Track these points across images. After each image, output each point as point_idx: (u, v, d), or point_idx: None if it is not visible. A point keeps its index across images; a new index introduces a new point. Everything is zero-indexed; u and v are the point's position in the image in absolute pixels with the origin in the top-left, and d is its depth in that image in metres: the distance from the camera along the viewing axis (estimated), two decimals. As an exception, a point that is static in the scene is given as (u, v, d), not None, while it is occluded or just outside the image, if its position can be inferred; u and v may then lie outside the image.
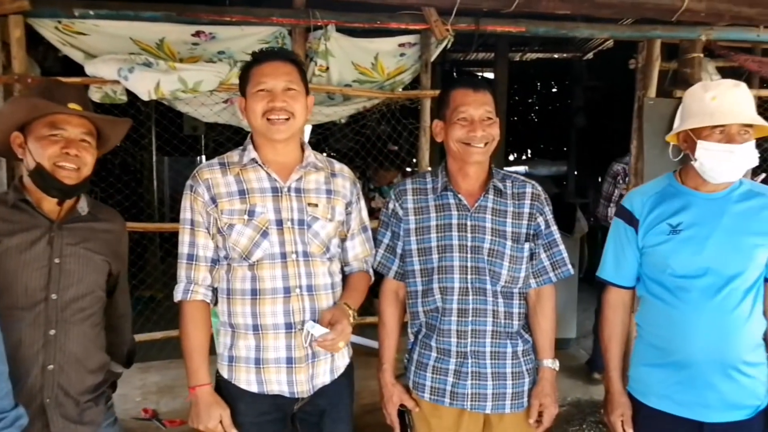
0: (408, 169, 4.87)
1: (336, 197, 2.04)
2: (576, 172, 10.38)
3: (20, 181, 1.89)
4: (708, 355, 1.92)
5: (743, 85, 1.94)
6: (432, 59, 3.78)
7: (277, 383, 1.92)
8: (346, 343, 1.91)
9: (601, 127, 9.01)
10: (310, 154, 2.02)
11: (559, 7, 3.07)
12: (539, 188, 2.16)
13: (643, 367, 2.08)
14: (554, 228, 2.16)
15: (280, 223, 1.92)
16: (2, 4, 3.05)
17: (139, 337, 3.50)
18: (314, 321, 1.88)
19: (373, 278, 2.21)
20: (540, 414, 2.09)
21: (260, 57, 1.98)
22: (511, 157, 11.91)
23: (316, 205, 1.98)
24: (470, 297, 2.05)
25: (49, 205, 1.84)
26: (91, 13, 3.30)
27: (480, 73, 9.81)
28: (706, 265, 1.91)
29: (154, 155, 7.28)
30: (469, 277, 2.05)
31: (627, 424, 2.06)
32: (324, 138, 8.05)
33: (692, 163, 1.93)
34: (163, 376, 3.35)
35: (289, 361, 1.91)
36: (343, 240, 2.10)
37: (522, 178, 2.20)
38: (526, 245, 2.11)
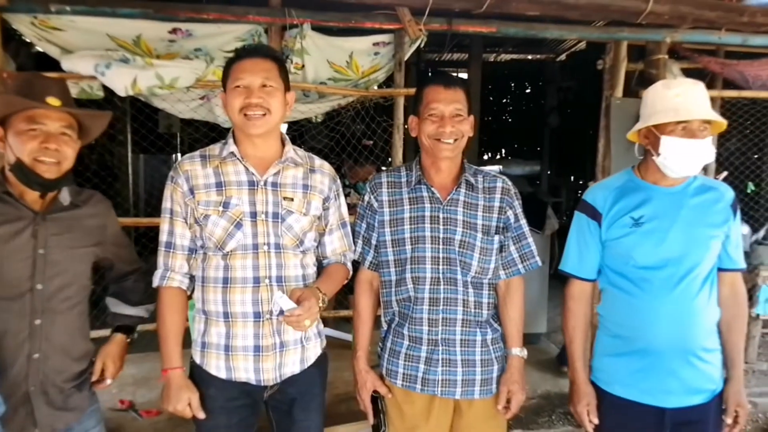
0: (383, 167, 4.92)
1: (313, 192, 2.06)
2: (549, 172, 10.52)
3: (2, 174, 1.88)
4: (670, 343, 2.01)
5: (701, 84, 2.03)
6: (406, 58, 3.82)
7: (244, 371, 1.96)
8: (312, 322, 1.92)
9: (574, 128, 9.17)
10: (290, 150, 2.05)
11: (528, 9, 3.13)
12: (509, 183, 2.22)
13: (606, 357, 2.15)
14: (523, 222, 2.21)
15: (254, 215, 1.95)
16: None
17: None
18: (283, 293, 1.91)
19: (351, 272, 2.24)
20: (508, 401, 2.14)
21: (241, 53, 2.01)
22: (485, 157, 11.98)
23: (292, 200, 2.01)
24: (441, 287, 2.11)
25: (32, 196, 1.85)
26: (68, 8, 3.30)
27: (455, 73, 9.89)
28: (667, 256, 1.99)
29: (129, 152, 7.25)
30: (440, 267, 2.10)
31: (592, 413, 2.12)
32: (300, 135, 8.09)
33: (654, 158, 2.00)
34: (139, 369, 3.35)
35: (257, 349, 1.95)
36: (321, 234, 2.13)
37: (493, 173, 2.25)
38: (496, 237, 2.16)
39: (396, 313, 2.20)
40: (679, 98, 1.95)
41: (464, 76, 8.61)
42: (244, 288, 1.94)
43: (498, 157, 12.38)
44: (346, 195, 4.43)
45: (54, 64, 3.47)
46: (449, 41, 6.11)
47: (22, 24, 3.37)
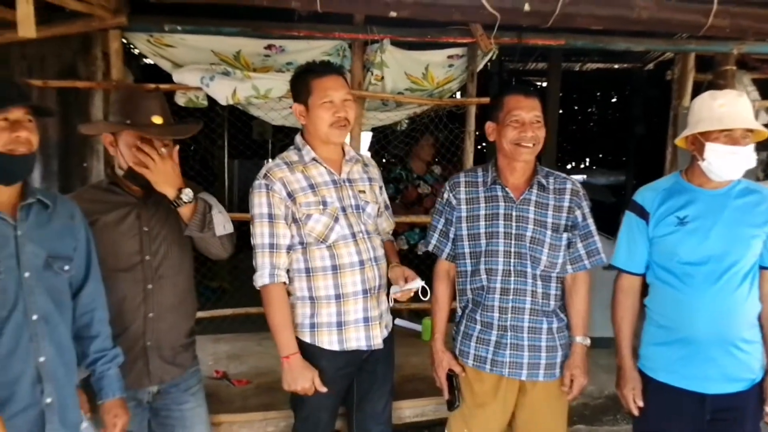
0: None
1: (374, 183, 2.39)
2: (635, 182, 10.32)
3: (112, 170, 2.18)
4: (710, 333, 2.12)
5: (745, 95, 2.16)
6: (478, 69, 4.01)
7: (356, 340, 2.26)
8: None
9: (660, 137, 8.98)
10: (350, 149, 2.34)
11: (592, 23, 3.25)
12: (578, 185, 2.33)
13: (652, 346, 2.27)
14: (590, 221, 2.32)
15: (344, 209, 2.24)
16: (104, 20, 3.40)
17: (211, 313, 3.96)
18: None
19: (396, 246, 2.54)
20: (571, 383, 2.28)
21: (318, 70, 2.22)
22: (569, 166, 11.87)
23: (364, 192, 2.31)
24: (512, 278, 2.26)
25: (135, 186, 2.12)
26: (179, 28, 3.64)
27: (538, 83, 9.91)
28: (709, 253, 2.11)
29: (226, 157, 7.81)
30: (512, 260, 2.25)
31: (637, 396, 2.24)
32: (384, 145, 8.45)
33: (699, 162, 2.13)
34: (231, 347, 3.76)
35: (366, 320, 2.27)
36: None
37: (563, 175, 2.36)
38: (564, 235, 2.27)
39: (470, 300, 2.37)
40: (724, 108, 2.07)
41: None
42: (353, 271, 2.23)
43: (582, 166, 12.28)
44: (416, 186, 4.65)
45: (156, 75, 3.84)
46: (533, 52, 6.29)
47: (140, 41, 3.76)
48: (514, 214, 2.26)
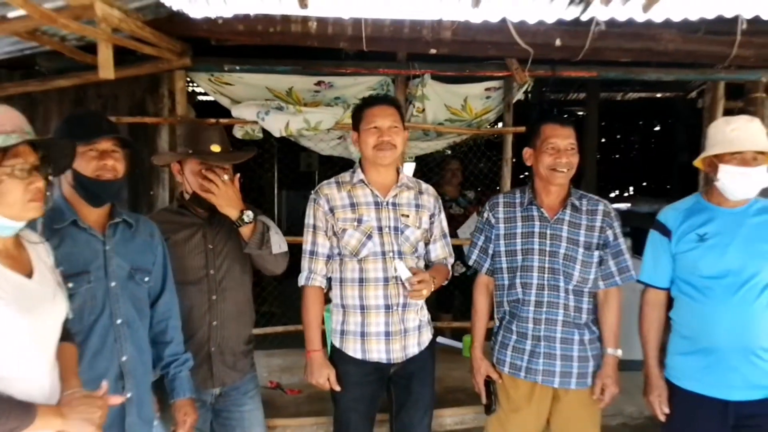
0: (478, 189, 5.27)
1: (422, 210, 2.49)
2: (680, 210, 10.16)
3: (180, 195, 2.44)
4: (730, 342, 2.21)
5: (757, 120, 2.30)
6: (514, 101, 4.16)
7: (377, 352, 2.39)
8: (428, 292, 2.30)
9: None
10: (404, 177, 2.51)
11: (620, 56, 3.42)
12: (610, 207, 2.46)
13: (677, 355, 2.37)
14: (621, 240, 2.44)
15: (380, 229, 2.39)
16: (171, 62, 3.71)
17: (265, 330, 4.20)
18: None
19: (450, 273, 2.58)
20: (602, 392, 2.39)
21: (371, 101, 2.46)
22: (612, 194, 11.79)
23: (407, 216, 2.45)
24: (545, 292, 2.39)
25: (201, 208, 2.37)
26: (237, 67, 3.94)
27: (580, 112, 9.98)
28: (728, 268, 2.23)
29: (276, 187, 8.14)
30: (546, 275, 2.39)
31: (663, 403, 2.35)
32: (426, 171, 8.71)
33: (715, 183, 2.27)
34: (284, 360, 4.03)
35: (387, 334, 2.39)
36: (426, 243, 2.53)
37: (596, 198, 2.49)
38: (596, 252, 2.40)
39: (507, 312, 2.51)
40: (735, 132, 2.22)
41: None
42: (377, 285, 2.38)
43: (626, 194, 12.16)
44: (449, 207, 4.83)
45: (215, 110, 4.08)
46: (573, 83, 6.43)
47: (202, 80, 4.06)
48: (548, 232, 2.41)
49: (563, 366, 2.39)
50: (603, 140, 10.92)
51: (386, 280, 2.38)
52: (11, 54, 3.50)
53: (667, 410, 2.36)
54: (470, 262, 2.64)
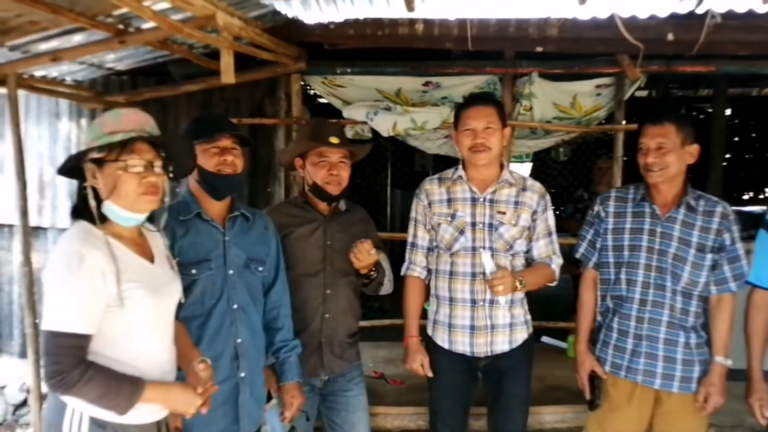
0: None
1: (522, 207, 2.46)
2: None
3: (303, 190, 2.57)
4: None
5: None
6: (626, 97, 4.05)
7: (461, 344, 2.45)
8: (505, 291, 2.28)
9: None
10: (506, 173, 2.49)
11: (738, 49, 3.24)
12: (729, 209, 2.35)
13: None
14: (739, 245, 2.32)
15: (474, 225, 2.43)
16: (287, 66, 3.94)
17: (372, 323, 4.38)
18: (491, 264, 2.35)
19: (555, 273, 2.53)
20: (706, 400, 2.30)
21: (468, 102, 2.50)
22: (745, 196, 10.98)
23: (504, 213, 2.44)
24: (650, 290, 2.35)
25: (322, 205, 2.50)
26: (349, 70, 4.11)
27: (709, 109, 9.36)
28: None
29: (389, 187, 8.36)
30: (652, 274, 2.35)
31: (764, 407, 2.28)
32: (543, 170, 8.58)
33: None
34: (389, 352, 4.17)
35: (472, 328, 2.43)
36: (529, 241, 2.51)
37: (715, 199, 2.39)
38: (709, 255, 2.31)
39: (609, 309, 2.48)
40: None
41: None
42: (464, 280, 2.43)
43: (762, 196, 11.29)
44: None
45: (324, 112, 4.26)
46: (703, 79, 6.09)
47: (316, 83, 4.28)
48: (658, 230, 2.36)
49: (665, 368, 2.34)
50: (736, 139, 10.22)
51: (473, 275, 2.42)
52: (147, 62, 3.89)
53: None
54: (577, 255, 2.62)
